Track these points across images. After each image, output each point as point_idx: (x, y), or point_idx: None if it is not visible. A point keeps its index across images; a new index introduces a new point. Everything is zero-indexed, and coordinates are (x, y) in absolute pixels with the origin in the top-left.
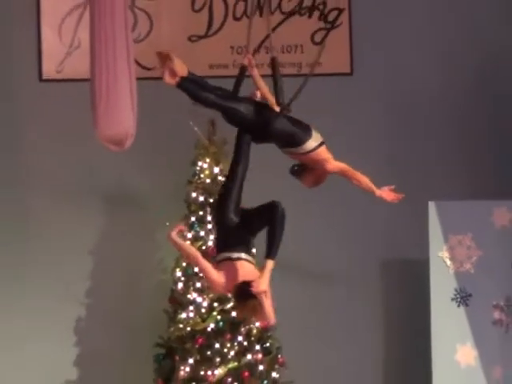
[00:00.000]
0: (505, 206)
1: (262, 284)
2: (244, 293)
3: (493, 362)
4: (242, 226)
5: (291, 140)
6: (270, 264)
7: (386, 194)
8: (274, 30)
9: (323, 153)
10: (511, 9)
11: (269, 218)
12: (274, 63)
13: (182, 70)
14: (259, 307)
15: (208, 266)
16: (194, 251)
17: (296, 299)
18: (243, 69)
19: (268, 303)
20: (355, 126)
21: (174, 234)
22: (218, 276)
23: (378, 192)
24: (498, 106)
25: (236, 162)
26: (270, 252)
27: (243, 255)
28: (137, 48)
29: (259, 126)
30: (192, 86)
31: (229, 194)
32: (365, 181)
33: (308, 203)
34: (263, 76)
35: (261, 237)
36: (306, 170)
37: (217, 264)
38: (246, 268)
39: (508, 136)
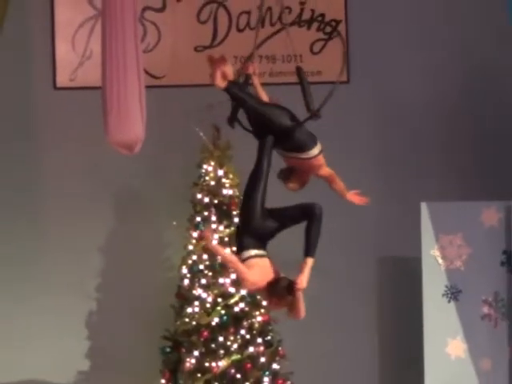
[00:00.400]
0: (493, 206)
1: (305, 281)
2: (284, 288)
3: (481, 355)
4: (268, 225)
5: (302, 146)
6: (310, 262)
7: (354, 197)
8: (269, 39)
9: (321, 159)
10: (498, 22)
11: (307, 217)
12: (299, 72)
13: (231, 74)
14: (296, 303)
15: (243, 266)
16: (230, 255)
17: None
18: (247, 77)
19: (302, 299)
20: (351, 130)
21: (212, 243)
22: (251, 274)
23: (348, 196)
24: (488, 110)
25: (261, 165)
26: (310, 250)
27: (265, 252)
28: (146, 58)
29: (285, 131)
30: (238, 91)
31: (255, 196)
32: (342, 186)
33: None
34: (263, 84)
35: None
36: (293, 175)
37: (242, 262)
38: (271, 264)
39: (496, 141)
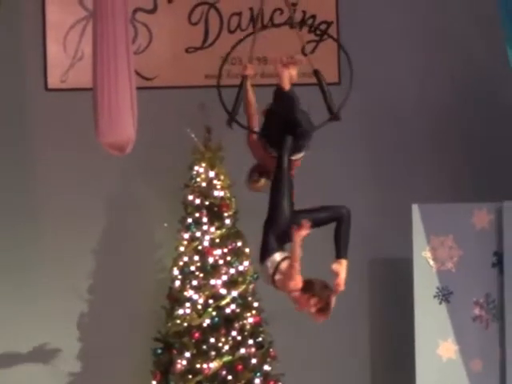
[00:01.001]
0: (484, 208)
1: (344, 282)
2: (323, 289)
3: (473, 356)
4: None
5: (303, 148)
6: (345, 263)
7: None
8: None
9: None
10: (488, 23)
11: (336, 219)
12: (317, 75)
13: (296, 77)
14: (330, 303)
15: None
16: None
17: (287, 297)
18: (244, 79)
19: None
20: (342, 131)
21: (301, 238)
22: (297, 275)
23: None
24: (479, 112)
25: (284, 165)
26: (343, 252)
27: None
28: (137, 59)
29: (306, 133)
30: (295, 94)
31: (283, 197)
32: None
33: (298, 205)
34: (256, 85)
35: None
36: (263, 175)
37: (278, 264)
38: None
39: (487, 142)
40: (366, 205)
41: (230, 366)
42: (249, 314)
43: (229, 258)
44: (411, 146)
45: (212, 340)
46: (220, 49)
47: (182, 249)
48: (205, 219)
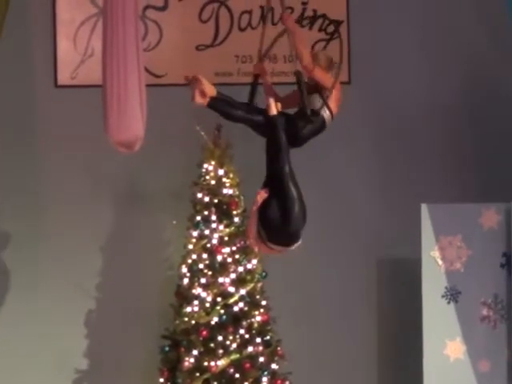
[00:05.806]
0: (493, 208)
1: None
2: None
3: (480, 356)
4: None
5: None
6: None
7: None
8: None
9: None
10: (498, 22)
11: None
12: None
13: (210, 90)
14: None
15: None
16: None
17: (295, 296)
18: (256, 77)
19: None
20: (352, 130)
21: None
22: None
23: None
24: (487, 112)
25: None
26: None
27: None
28: (147, 56)
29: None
30: (221, 105)
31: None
32: None
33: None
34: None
35: None
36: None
37: None
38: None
39: (496, 142)
40: (374, 205)
41: (237, 364)
42: (257, 313)
43: (237, 256)
44: (420, 146)
45: (220, 338)
46: (230, 47)
47: (190, 246)
48: (213, 217)
